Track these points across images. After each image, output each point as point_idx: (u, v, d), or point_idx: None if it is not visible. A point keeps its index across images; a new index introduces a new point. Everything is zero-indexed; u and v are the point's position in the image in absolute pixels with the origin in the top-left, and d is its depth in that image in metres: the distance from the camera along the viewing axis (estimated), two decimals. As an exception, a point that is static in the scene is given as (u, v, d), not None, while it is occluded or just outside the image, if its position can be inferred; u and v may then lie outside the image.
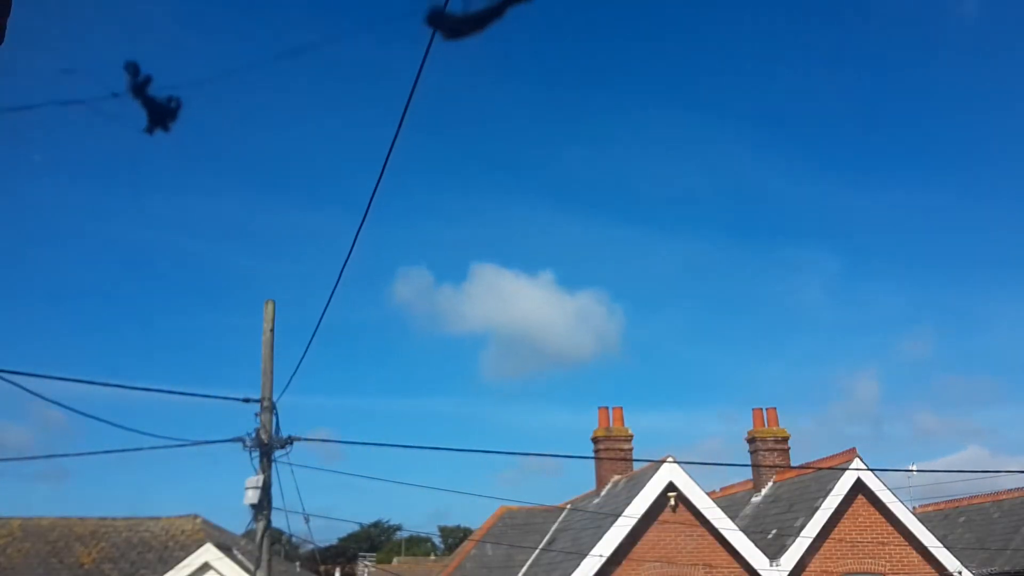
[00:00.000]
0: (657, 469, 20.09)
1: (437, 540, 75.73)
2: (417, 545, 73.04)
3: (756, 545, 19.92)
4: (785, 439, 24.63)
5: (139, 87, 2.45)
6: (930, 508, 30.87)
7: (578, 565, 18.99)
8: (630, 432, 24.73)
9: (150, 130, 2.48)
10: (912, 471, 26.45)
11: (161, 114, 2.46)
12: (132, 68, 2.44)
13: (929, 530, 21.01)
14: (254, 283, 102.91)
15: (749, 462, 24.85)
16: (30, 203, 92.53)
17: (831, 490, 20.39)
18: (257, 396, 13.60)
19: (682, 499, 19.94)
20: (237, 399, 13.61)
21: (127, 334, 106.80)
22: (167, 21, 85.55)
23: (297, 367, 14.43)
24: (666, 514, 19.87)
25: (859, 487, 20.62)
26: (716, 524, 19.83)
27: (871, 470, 20.68)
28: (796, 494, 22.26)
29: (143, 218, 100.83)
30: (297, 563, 28.93)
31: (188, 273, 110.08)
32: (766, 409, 25.11)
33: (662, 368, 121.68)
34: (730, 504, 23.95)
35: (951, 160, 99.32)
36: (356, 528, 67.24)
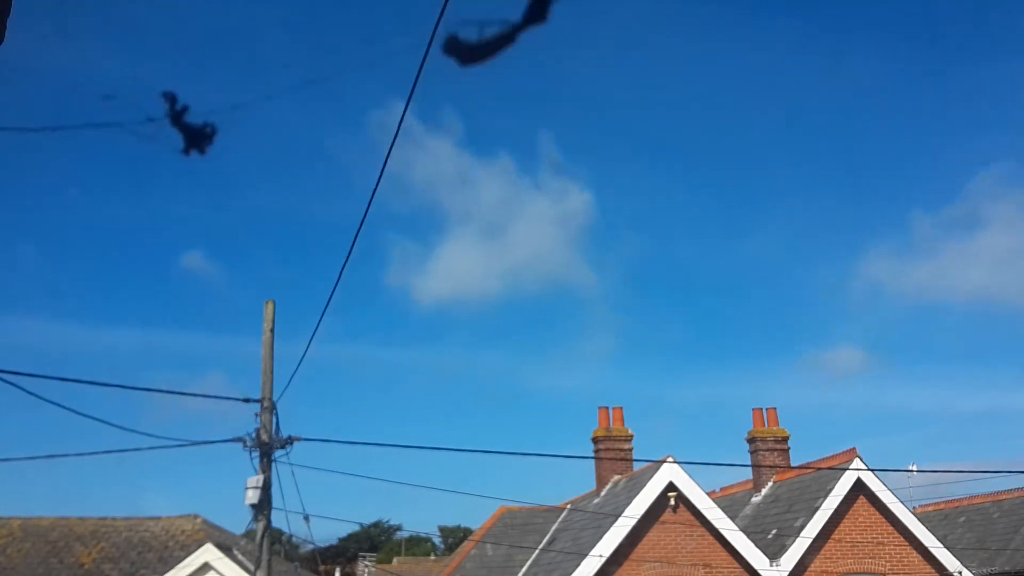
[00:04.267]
0: (657, 469, 20.09)
1: (437, 540, 75.82)
2: (417, 545, 73.03)
3: (756, 545, 19.92)
4: (785, 439, 24.63)
5: (177, 115, 2.50)
6: (930, 508, 30.88)
7: (578, 565, 18.98)
8: (630, 432, 24.74)
9: (186, 151, 2.54)
10: (912, 471, 26.45)
11: (198, 138, 2.51)
12: (170, 97, 2.49)
13: (929, 530, 21.01)
14: (255, 283, 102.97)
15: (749, 462, 24.85)
16: (33, 202, 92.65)
17: (831, 490, 20.40)
18: (257, 396, 13.60)
19: (682, 499, 19.94)
20: (237, 399, 13.63)
21: (128, 333, 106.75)
22: (198, 48, 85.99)
23: (297, 367, 14.45)
24: (666, 514, 19.87)
25: (859, 487, 20.62)
26: (716, 524, 19.82)
27: (871, 470, 20.68)
28: (796, 494, 22.26)
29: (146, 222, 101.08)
30: (297, 563, 28.92)
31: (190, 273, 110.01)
32: (766, 409, 25.12)
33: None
34: (730, 504, 23.95)
35: None
36: (356, 528, 67.21)
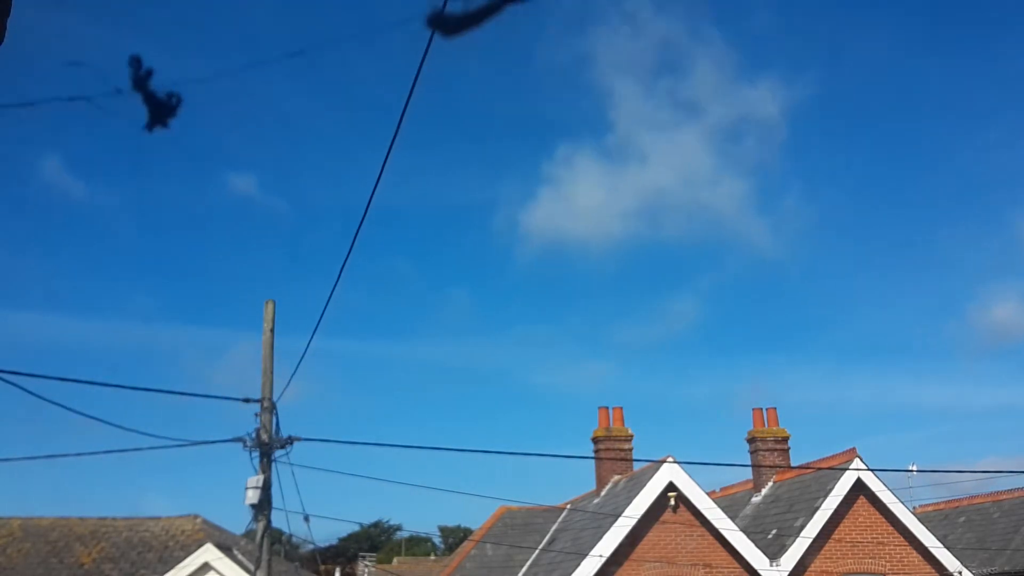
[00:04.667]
0: (657, 469, 20.09)
1: (437, 540, 75.85)
2: (417, 545, 73.07)
3: (756, 545, 19.93)
4: (785, 439, 24.64)
5: (141, 80, 2.46)
6: (930, 508, 30.88)
7: (578, 565, 18.99)
8: (630, 432, 24.75)
9: (150, 127, 2.50)
10: (912, 471, 26.45)
11: (161, 111, 2.47)
12: (135, 62, 2.46)
13: (929, 530, 21.02)
14: (254, 283, 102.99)
15: (749, 462, 24.85)
16: (31, 200, 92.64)
17: (831, 490, 20.40)
18: (257, 396, 13.60)
19: (682, 499, 19.95)
20: (237, 399, 13.62)
21: (128, 334, 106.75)
22: (169, 22, 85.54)
23: (297, 367, 14.46)
24: (666, 514, 19.88)
25: (859, 487, 20.62)
26: (716, 524, 19.83)
27: (871, 470, 20.69)
28: (796, 494, 22.26)
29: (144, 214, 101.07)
30: (297, 563, 28.92)
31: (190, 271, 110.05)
32: (766, 409, 25.13)
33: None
34: (730, 504, 23.95)
35: None
36: (356, 528, 67.25)
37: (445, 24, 2.31)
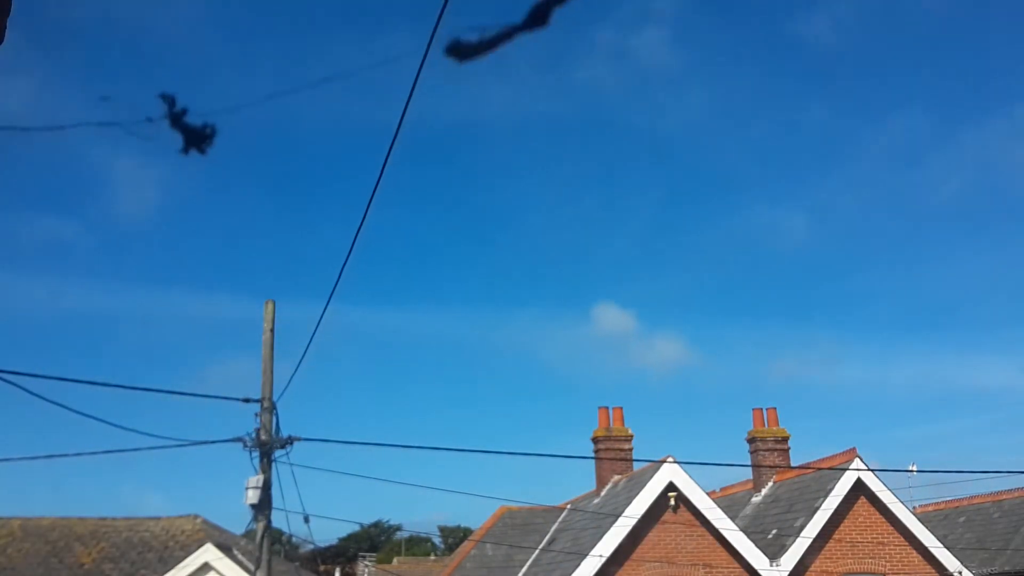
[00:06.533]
0: (657, 469, 20.09)
1: (437, 540, 75.87)
2: (417, 545, 73.09)
3: (756, 545, 19.92)
4: (785, 439, 24.64)
5: (176, 117, 2.49)
6: (930, 508, 30.87)
7: (578, 565, 18.99)
8: (630, 432, 24.75)
9: (186, 151, 2.53)
10: (912, 471, 26.41)
11: (197, 138, 2.51)
12: (168, 99, 2.48)
13: (929, 530, 21.01)
14: (254, 283, 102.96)
15: (749, 462, 24.85)
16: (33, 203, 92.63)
17: (831, 490, 20.40)
18: (257, 396, 13.60)
19: (682, 499, 19.95)
20: (237, 399, 13.62)
21: (128, 333, 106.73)
22: (199, 50, 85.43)
23: (297, 367, 14.46)
24: (666, 514, 19.88)
25: (859, 487, 20.62)
26: (716, 524, 19.83)
27: (871, 470, 20.69)
28: (796, 494, 22.26)
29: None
30: (297, 563, 28.92)
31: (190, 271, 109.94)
32: (766, 409, 25.13)
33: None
34: (730, 504, 23.95)
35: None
36: (356, 528, 67.26)
37: (460, 52, 2.33)
